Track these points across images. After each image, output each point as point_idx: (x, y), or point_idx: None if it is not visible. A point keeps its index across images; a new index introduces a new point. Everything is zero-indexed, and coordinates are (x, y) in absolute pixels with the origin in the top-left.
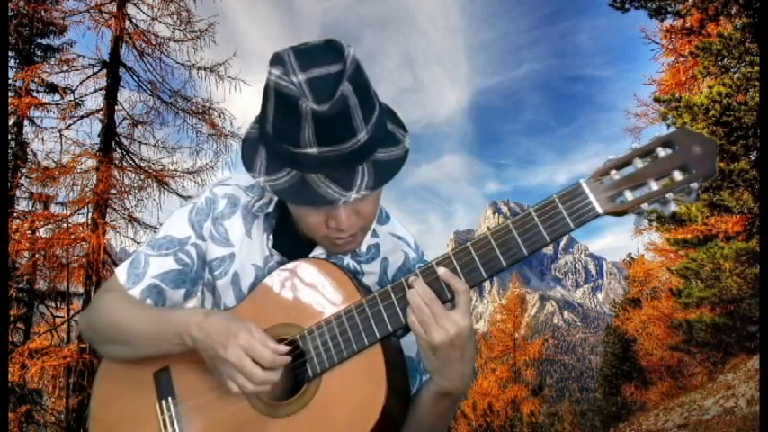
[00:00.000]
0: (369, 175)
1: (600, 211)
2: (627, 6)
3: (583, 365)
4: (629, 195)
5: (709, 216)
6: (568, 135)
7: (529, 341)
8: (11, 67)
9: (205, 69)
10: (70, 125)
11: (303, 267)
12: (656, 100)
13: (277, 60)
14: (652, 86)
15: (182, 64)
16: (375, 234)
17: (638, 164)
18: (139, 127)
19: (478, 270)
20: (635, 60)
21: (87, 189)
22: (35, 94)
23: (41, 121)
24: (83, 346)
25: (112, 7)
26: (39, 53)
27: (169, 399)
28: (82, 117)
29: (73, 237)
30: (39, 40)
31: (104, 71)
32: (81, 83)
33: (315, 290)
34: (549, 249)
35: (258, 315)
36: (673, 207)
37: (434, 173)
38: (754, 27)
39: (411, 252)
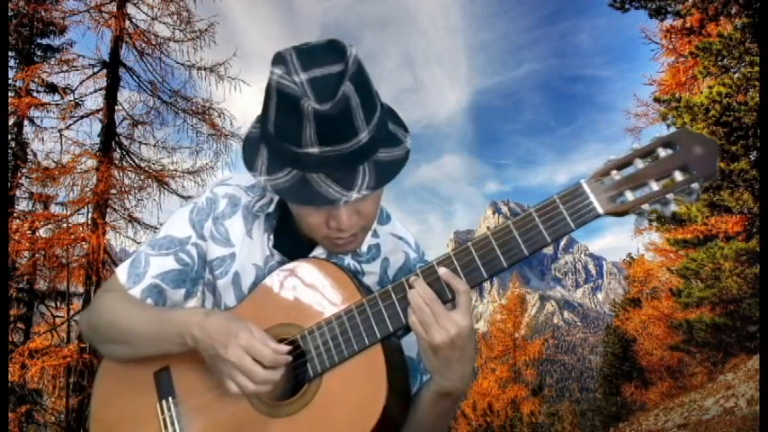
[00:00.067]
0: (370, 175)
1: (600, 211)
2: (627, 6)
3: (583, 365)
4: (629, 196)
5: (709, 216)
6: (568, 135)
7: (529, 341)
8: (11, 67)
9: (205, 69)
10: (70, 125)
11: (303, 267)
12: (656, 100)
13: (279, 60)
14: (652, 86)
15: (182, 64)
16: (376, 234)
17: (639, 164)
18: (139, 127)
19: (479, 270)
20: (635, 60)
21: (87, 189)
22: (35, 94)
23: (41, 121)
24: (83, 346)
25: (112, 7)
26: (39, 53)
27: (169, 399)
28: (82, 117)
29: (73, 237)
30: (39, 40)
31: (104, 71)
32: (81, 83)
33: (315, 290)
34: (549, 249)
35: (259, 315)
36: (673, 207)
37: (434, 173)
38: (754, 27)
39: (412, 252)
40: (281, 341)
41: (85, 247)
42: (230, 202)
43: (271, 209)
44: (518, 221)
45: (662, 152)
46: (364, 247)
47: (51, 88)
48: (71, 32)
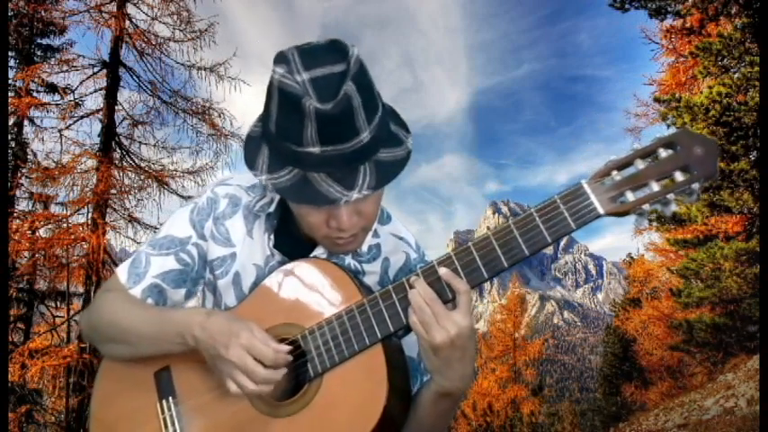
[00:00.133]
0: (371, 175)
1: (601, 211)
2: (627, 6)
3: (583, 365)
4: (630, 196)
5: (709, 216)
6: (568, 135)
7: (529, 341)
8: (11, 67)
9: (205, 69)
10: (70, 125)
11: (304, 267)
12: (656, 100)
13: (281, 59)
14: (652, 86)
15: (182, 64)
16: (376, 234)
17: (640, 164)
18: (139, 127)
19: (480, 270)
20: (635, 60)
21: (87, 189)
22: (35, 94)
23: (41, 121)
24: (83, 346)
25: (112, 7)
26: (39, 53)
27: (170, 398)
28: (82, 117)
29: (73, 237)
30: (39, 40)
31: (104, 71)
32: (81, 83)
33: (316, 290)
34: (549, 249)
35: (259, 315)
36: (674, 207)
37: (434, 173)
38: (754, 27)
39: (412, 252)
40: (281, 341)
41: (85, 247)
42: (231, 202)
43: (271, 209)
44: (519, 221)
45: (662, 152)
46: (365, 247)
47: (51, 88)
48: (71, 32)
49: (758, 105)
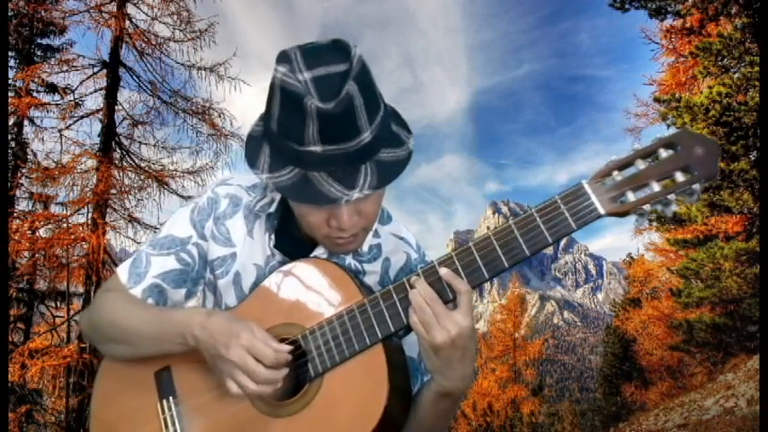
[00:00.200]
0: (372, 175)
1: (602, 211)
2: (627, 6)
3: (583, 365)
4: (630, 196)
5: (709, 216)
6: (568, 135)
7: (529, 341)
8: (11, 67)
9: (205, 69)
10: (70, 125)
11: (304, 267)
12: (656, 100)
13: (283, 58)
14: (652, 86)
15: (182, 64)
16: (377, 234)
17: (640, 165)
18: (139, 127)
19: (480, 270)
20: (635, 60)
21: (87, 189)
22: (35, 94)
23: (41, 121)
24: (83, 346)
25: (112, 7)
26: (39, 53)
27: (170, 398)
28: (82, 117)
29: (73, 237)
30: (39, 40)
31: (104, 71)
32: (81, 83)
33: (316, 290)
34: (549, 249)
35: (260, 315)
36: (674, 208)
37: (434, 173)
38: (754, 27)
39: (413, 253)
40: (282, 341)
41: (85, 247)
42: (231, 202)
43: (272, 209)
44: (519, 222)
45: (663, 153)
46: (365, 247)
47: (51, 88)
48: (71, 32)
49: (758, 105)
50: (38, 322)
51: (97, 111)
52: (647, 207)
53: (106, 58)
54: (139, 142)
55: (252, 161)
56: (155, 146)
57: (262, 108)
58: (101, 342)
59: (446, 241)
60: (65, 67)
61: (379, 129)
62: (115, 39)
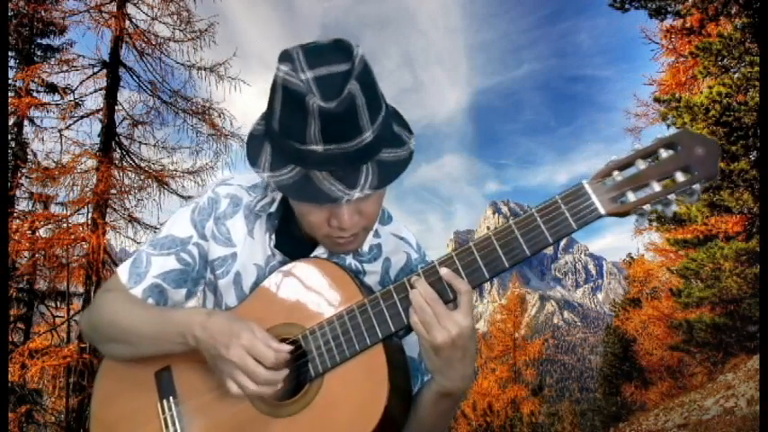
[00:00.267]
0: (373, 175)
1: (602, 211)
2: (627, 6)
3: (583, 365)
4: (631, 196)
5: (709, 216)
6: (568, 135)
7: (529, 341)
8: (11, 67)
9: (205, 69)
10: (70, 125)
11: (305, 267)
12: (656, 100)
13: (286, 57)
14: (652, 86)
15: (182, 64)
16: (377, 234)
17: (641, 165)
18: (139, 127)
19: (481, 270)
20: (635, 60)
21: (87, 189)
22: (35, 94)
23: (41, 121)
24: (83, 346)
25: (112, 7)
26: (39, 53)
27: (170, 398)
28: (82, 117)
29: (73, 237)
30: (39, 40)
31: (104, 71)
32: (81, 83)
33: (316, 290)
34: (549, 249)
35: (260, 315)
36: (674, 208)
37: (434, 173)
38: (754, 27)
39: (413, 253)
40: (282, 341)
41: (85, 247)
42: (232, 202)
43: (272, 209)
44: (520, 222)
45: (663, 153)
46: (366, 247)
47: (51, 88)
48: (71, 32)
49: (758, 105)
50: (38, 322)
51: (97, 111)
52: (647, 207)
53: (106, 58)
54: (139, 142)
55: (253, 160)
56: (155, 146)
57: (262, 108)
58: (101, 342)
59: (446, 241)
60: (65, 67)
61: (380, 129)
62: (115, 39)
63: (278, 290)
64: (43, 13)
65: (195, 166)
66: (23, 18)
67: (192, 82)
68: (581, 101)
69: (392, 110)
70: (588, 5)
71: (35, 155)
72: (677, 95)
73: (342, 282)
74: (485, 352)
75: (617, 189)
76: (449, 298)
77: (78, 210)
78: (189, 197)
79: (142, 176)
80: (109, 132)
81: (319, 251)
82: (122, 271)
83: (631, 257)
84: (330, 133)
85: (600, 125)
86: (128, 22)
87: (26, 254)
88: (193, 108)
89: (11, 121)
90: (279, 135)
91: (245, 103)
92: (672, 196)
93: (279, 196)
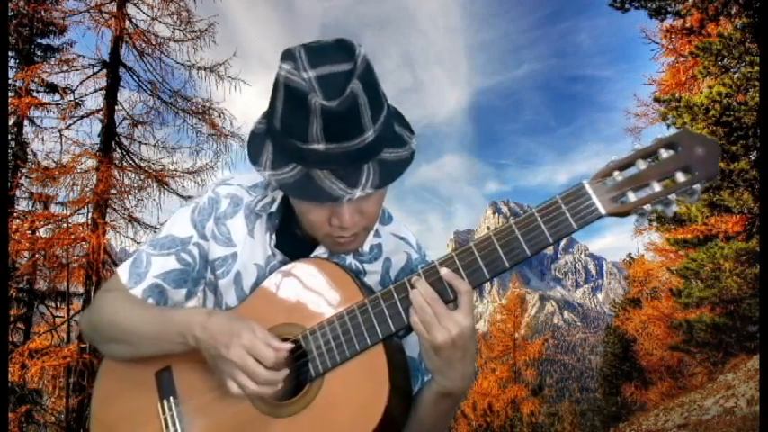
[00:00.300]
0: (374, 174)
1: (603, 211)
2: (627, 6)
3: (583, 365)
4: (631, 196)
5: (709, 216)
6: (568, 135)
7: (529, 341)
8: (11, 67)
9: (205, 69)
10: (70, 125)
11: (305, 267)
12: (656, 100)
13: (288, 56)
14: (652, 86)
15: (182, 64)
16: (378, 234)
17: (641, 165)
18: (139, 127)
19: (481, 271)
20: (635, 60)
21: (87, 189)
22: (35, 94)
23: (41, 121)
24: (83, 346)
25: (112, 7)
26: (39, 53)
27: (170, 398)
28: (82, 117)
29: (73, 237)
30: (39, 40)
31: (104, 71)
32: (81, 83)
33: (317, 289)
34: (549, 249)
35: (260, 315)
36: (675, 208)
37: (434, 173)
38: (754, 27)
39: (413, 253)
40: (282, 341)
41: (85, 247)
42: (232, 201)
43: (273, 208)
44: (520, 222)
45: (664, 153)
46: (366, 247)
47: (51, 88)
48: (71, 32)
49: (758, 105)
50: (38, 322)
51: (97, 111)
52: (647, 207)
53: (106, 58)
54: (139, 142)
55: (254, 158)
56: (155, 146)
57: (262, 108)
58: (101, 342)
59: (446, 241)
60: (65, 67)
61: (382, 128)
62: (115, 39)
63: (278, 290)
64: (43, 13)
65: (195, 166)
66: (23, 18)
67: (191, 82)
68: (581, 101)
69: (394, 110)
70: (588, 5)
71: (35, 155)
72: (677, 95)
73: (342, 282)
74: (485, 352)
75: (617, 189)
76: (449, 298)
77: (78, 210)
78: (189, 197)
79: (142, 176)
80: (109, 132)
81: (320, 251)
82: (122, 271)
83: (631, 257)
84: (332, 132)
85: (600, 125)
86: (128, 22)
87: (26, 254)
88: (193, 108)
89: (11, 121)
90: (280, 134)
91: (245, 103)
92: (672, 196)
93: (279, 196)
